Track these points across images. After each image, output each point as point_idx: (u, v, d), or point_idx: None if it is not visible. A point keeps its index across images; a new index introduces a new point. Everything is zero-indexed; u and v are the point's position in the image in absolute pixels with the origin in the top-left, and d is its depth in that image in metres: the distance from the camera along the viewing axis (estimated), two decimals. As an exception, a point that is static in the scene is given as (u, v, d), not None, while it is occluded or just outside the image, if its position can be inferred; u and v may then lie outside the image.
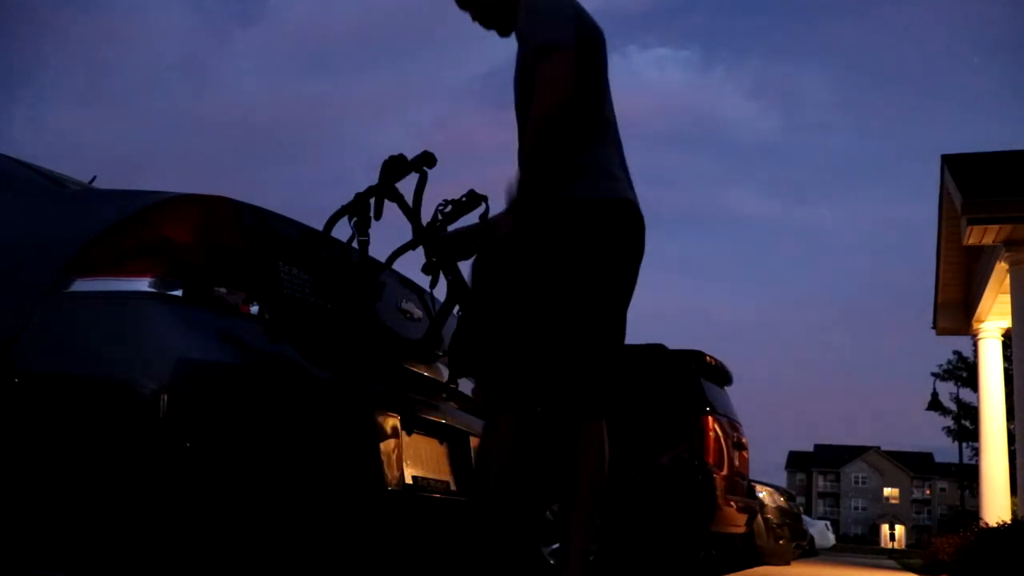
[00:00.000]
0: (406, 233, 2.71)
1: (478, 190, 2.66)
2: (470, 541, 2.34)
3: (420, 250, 2.72)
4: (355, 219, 2.61)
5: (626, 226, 2.41)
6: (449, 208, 2.69)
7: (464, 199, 2.70)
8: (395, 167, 2.58)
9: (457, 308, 2.77)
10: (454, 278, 2.68)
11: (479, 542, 2.33)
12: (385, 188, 2.59)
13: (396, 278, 2.85)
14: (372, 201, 2.60)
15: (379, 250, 2.74)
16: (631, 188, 2.49)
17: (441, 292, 2.87)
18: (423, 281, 2.77)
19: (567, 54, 2.29)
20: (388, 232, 2.75)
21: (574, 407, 2.40)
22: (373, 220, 2.61)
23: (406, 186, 2.65)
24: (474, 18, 2.65)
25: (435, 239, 2.68)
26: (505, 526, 2.39)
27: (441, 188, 2.77)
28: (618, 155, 2.51)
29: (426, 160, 2.57)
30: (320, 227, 2.60)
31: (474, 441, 2.89)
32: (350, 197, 2.66)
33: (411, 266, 2.81)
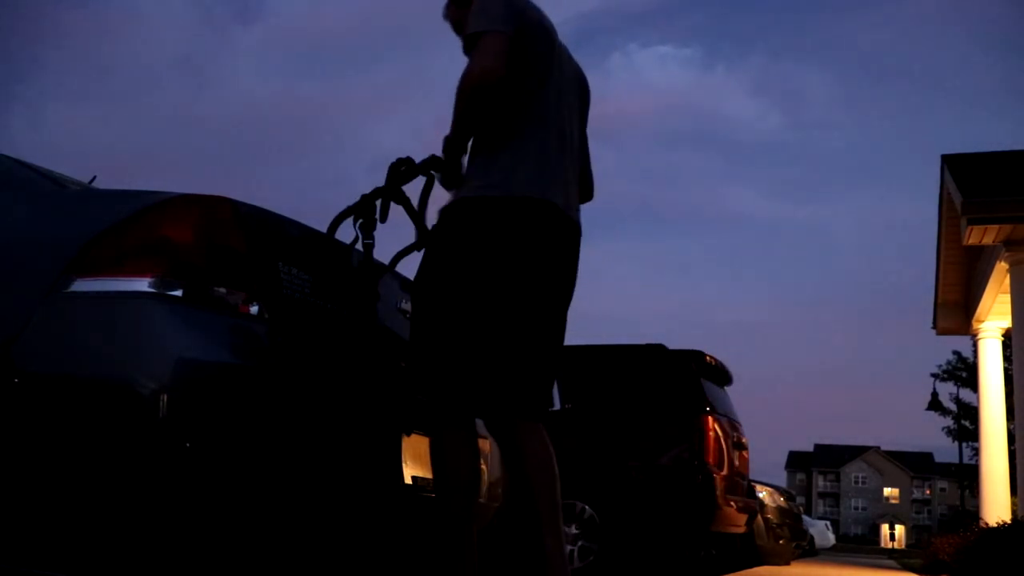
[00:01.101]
0: (409, 235, 2.71)
1: None
2: (442, 546, 2.37)
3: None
4: (360, 221, 2.61)
5: (538, 225, 2.36)
6: None
7: None
8: (402, 170, 2.58)
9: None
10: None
11: (449, 546, 2.35)
12: (391, 190, 2.59)
13: (398, 280, 2.85)
14: (378, 203, 2.60)
15: (382, 252, 2.74)
16: (559, 189, 2.44)
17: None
18: None
19: (496, 36, 2.32)
20: (390, 233, 2.75)
21: (502, 410, 2.38)
22: (378, 222, 2.61)
23: (411, 188, 2.65)
24: (455, 30, 2.70)
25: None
26: (468, 529, 2.39)
27: (440, 189, 2.77)
28: (555, 156, 2.46)
29: (434, 164, 2.57)
30: (321, 227, 2.60)
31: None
32: (349, 196, 2.66)
33: (414, 269, 2.81)
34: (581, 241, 2.53)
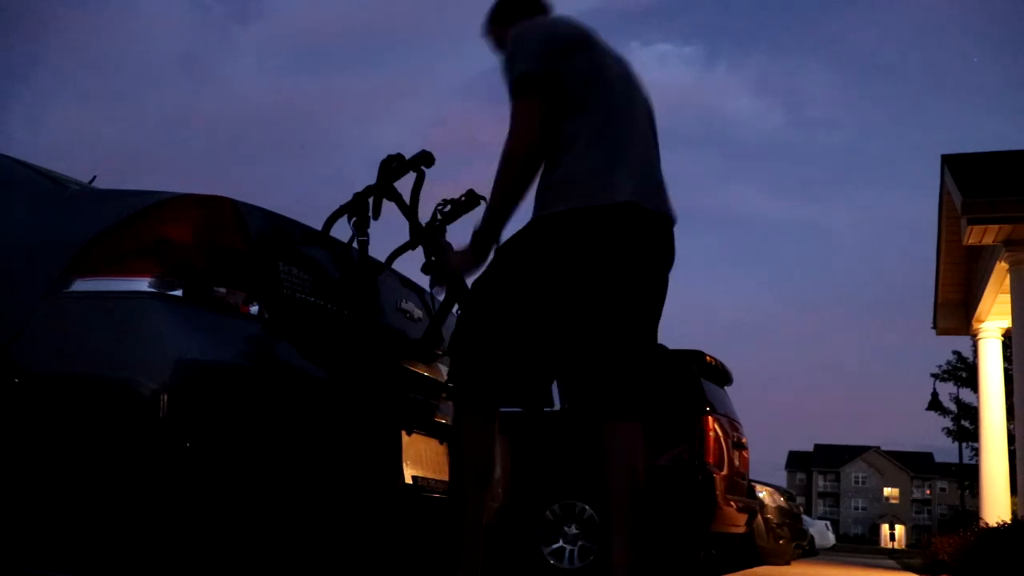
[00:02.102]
0: (405, 233, 2.71)
1: (477, 189, 2.66)
2: (455, 539, 2.36)
3: (420, 250, 2.72)
4: (354, 219, 2.60)
5: (610, 231, 2.30)
6: (448, 208, 2.69)
7: (463, 199, 2.69)
8: (393, 166, 2.57)
9: (456, 307, 2.77)
10: (453, 278, 2.68)
11: (463, 538, 2.34)
12: (383, 187, 2.58)
13: (396, 278, 2.85)
14: (371, 201, 2.60)
15: (379, 250, 2.74)
16: (637, 183, 2.36)
17: (440, 292, 2.87)
18: (423, 281, 2.77)
19: (532, 102, 2.32)
20: (388, 232, 2.75)
21: (594, 409, 2.37)
22: (372, 220, 2.61)
23: (404, 185, 2.65)
24: (496, 48, 2.69)
25: (434, 239, 2.67)
26: (480, 519, 2.39)
27: (441, 187, 2.78)
28: (622, 151, 2.38)
29: (424, 160, 2.56)
30: (320, 226, 2.60)
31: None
32: (349, 196, 2.67)
33: (411, 267, 2.81)
34: (673, 229, 2.45)
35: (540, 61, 2.35)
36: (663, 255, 2.40)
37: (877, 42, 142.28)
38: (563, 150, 2.37)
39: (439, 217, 2.69)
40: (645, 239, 2.34)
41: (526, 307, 2.32)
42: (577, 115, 2.38)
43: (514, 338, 2.33)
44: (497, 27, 2.66)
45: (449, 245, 2.66)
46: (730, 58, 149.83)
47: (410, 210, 2.64)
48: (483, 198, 2.63)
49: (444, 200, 2.71)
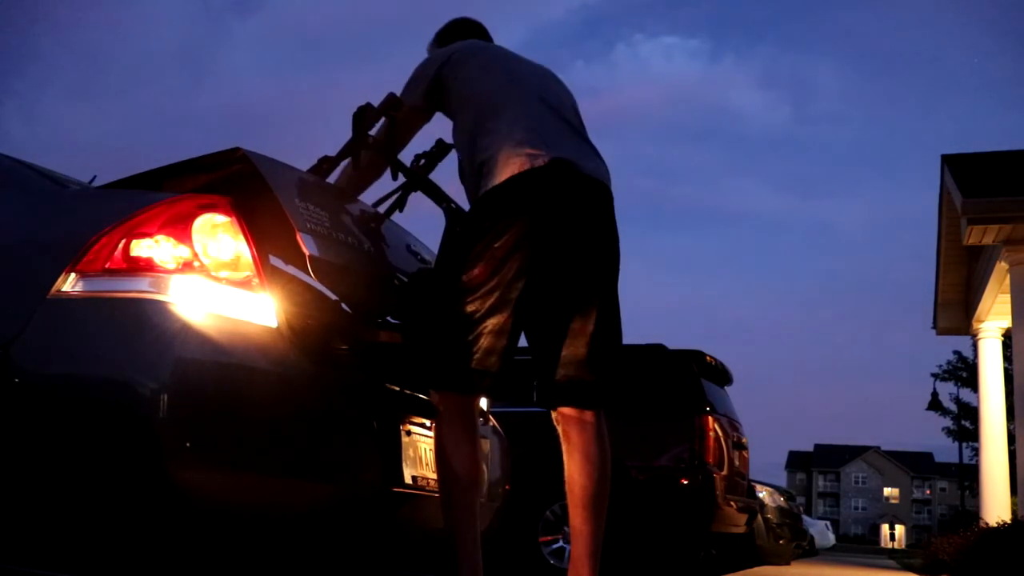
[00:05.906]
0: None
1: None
2: (450, 545, 2.37)
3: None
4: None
5: (553, 187, 2.36)
6: (423, 161, 2.81)
7: (434, 149, 2.82)
8: (365, 116, 2.66)
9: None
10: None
11: (458, 543, 2.35)
12: (360, 139, 2.66)
13: (398, 228, 2.92)
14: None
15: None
16: (567, 148, 2.44)
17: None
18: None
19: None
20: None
21: (550, 396, 2.36)
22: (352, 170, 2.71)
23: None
24: None
25: (431, 183, 2.81)
26: (472, 522, 2.39)
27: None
28: (534, 128, 2.47)
29: (392, 104, 2.66)
30: None
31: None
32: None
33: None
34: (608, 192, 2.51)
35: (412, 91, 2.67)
36: (593, 214, 2.43)
37: (885, 36, 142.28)
38: (486, 129, 2.48)
39: (421, 162, 2.81)
40: (571, 196, 2.38)
41: (484, 278, 2.33)
42: (494, 98, 2.53)
43: (477, 312, 2.34)
44: (433, 48, 2.92)
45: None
46: (736, 51, 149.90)
47: (392, 154, 2.74)
48: (452, 146, 2.74)
49: (417, 155, 2.82)
